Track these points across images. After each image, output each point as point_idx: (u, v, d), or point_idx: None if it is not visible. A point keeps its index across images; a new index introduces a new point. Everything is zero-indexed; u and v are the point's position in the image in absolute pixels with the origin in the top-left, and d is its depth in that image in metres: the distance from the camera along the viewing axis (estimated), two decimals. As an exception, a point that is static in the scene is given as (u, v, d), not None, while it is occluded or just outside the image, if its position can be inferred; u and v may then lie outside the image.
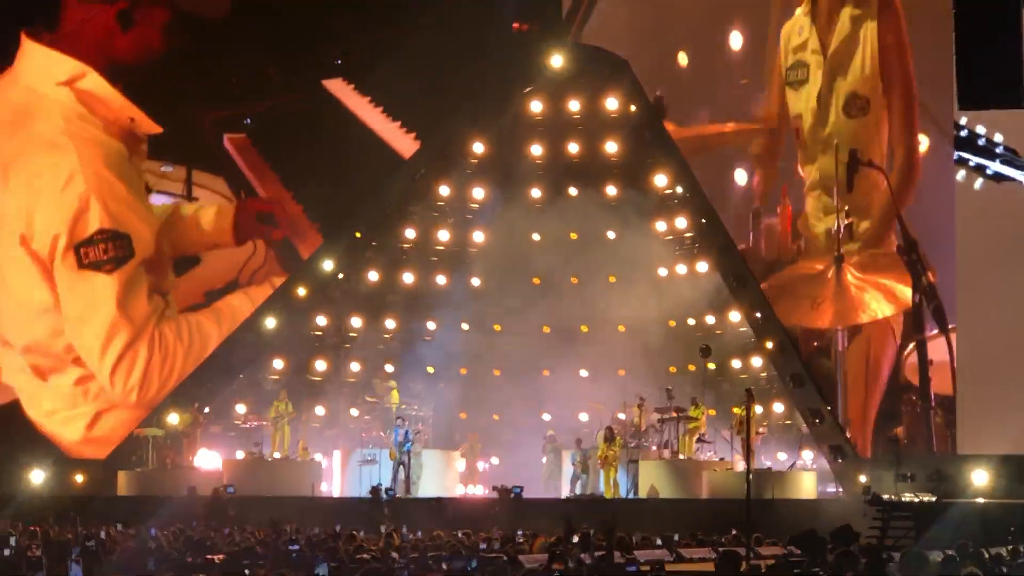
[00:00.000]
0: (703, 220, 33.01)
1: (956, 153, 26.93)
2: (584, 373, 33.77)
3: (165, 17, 31.70)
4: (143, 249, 31.91)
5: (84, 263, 31.06)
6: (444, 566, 14.22)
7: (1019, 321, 26.56)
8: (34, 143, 31.11)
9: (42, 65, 31.11)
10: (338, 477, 31.36)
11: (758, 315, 31.77)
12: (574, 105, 34.36)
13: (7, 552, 13.99)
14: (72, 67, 31.18)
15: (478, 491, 31.37)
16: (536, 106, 34.33)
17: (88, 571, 13.29)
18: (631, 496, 29.13)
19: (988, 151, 27.15)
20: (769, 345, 31.58)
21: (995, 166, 27.32)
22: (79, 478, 31.24)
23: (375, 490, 28.16)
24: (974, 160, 27.06)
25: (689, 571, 14.48)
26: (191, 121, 32.02)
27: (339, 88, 32.85)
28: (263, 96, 32.35)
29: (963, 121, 27.06)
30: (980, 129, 26.96)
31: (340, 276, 33.75)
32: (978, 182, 27.22)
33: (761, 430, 29.05)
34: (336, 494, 30.02)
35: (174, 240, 31.93)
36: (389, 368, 33.03)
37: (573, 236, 34.26)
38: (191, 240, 32.03)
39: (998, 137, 26.91)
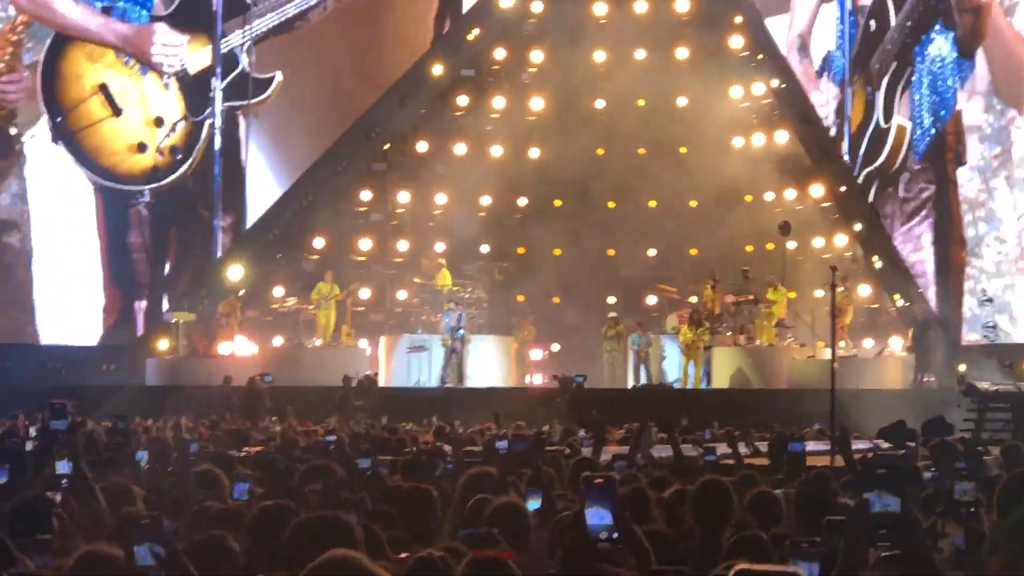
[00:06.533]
0: (782, 85, 25.88)
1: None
2: (652, 252, 26.72)
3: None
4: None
5: None
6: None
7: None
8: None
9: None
10: (384, 365, 24.34)
11: (842, 188, 25.07)
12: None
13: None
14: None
15: (536, 381, 25.11)
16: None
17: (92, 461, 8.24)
18: (704, 387, 23.63)
19: None
20: (857, 225, 25.30)
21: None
22: (105, 367, 24.85)
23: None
24: None
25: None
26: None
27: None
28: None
29: None
30: None
31: (386, 147, 26.04)
32: None
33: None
34: (381, 383, 22.81)
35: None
36: (439, 247, 25.57)
37: (640, 103, 26.08)
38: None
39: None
